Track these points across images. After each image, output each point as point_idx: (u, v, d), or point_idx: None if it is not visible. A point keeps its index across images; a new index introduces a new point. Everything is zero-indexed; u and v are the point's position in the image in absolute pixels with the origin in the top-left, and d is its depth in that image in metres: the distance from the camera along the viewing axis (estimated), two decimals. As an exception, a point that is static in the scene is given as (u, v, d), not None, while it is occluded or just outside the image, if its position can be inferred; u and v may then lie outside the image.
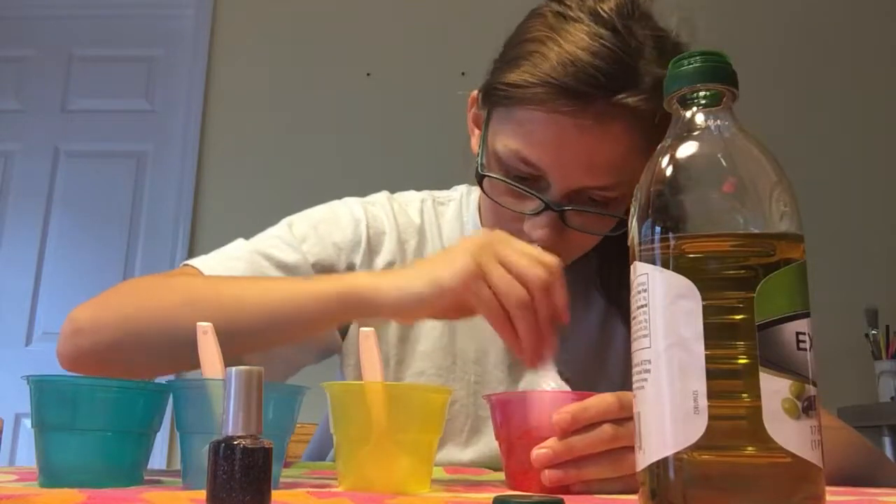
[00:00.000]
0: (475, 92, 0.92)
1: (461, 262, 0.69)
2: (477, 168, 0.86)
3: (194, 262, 0.89)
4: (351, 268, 0.94)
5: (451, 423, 0.93)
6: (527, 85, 0.79)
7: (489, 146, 0.85)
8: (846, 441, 0.83)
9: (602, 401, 0.59)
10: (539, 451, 0.58)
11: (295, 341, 0.85)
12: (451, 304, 0.70)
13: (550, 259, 0.70)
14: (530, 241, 0.83)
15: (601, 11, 0.79)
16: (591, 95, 0.77)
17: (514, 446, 0.62)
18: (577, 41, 0.78)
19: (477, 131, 0.93)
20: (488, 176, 0.84)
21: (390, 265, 0.95)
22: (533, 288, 0.68)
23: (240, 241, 0.93)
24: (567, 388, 0.68)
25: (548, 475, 0.58)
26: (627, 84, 0.77)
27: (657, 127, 0.77)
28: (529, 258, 0.69)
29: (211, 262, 0.88)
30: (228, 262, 0.88)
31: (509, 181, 0.83)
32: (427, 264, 0.74)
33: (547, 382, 0.69)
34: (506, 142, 0.82)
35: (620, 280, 0.94)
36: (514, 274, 0.68)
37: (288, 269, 0.89)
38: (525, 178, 0.83)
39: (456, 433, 0.93)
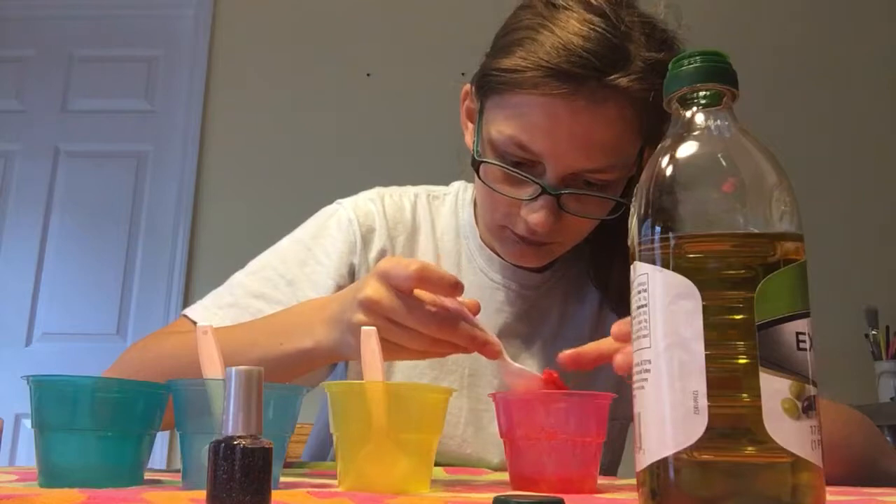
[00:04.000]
0: (468, 85, 0.93)
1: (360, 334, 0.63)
2: (472, 156, 0.87)
3: (191, 313, 0.90)
4: (351, 270, 0.94)
5: (447, 416, 0.93)
6: (520, 69, 0.80)
7: (484, 135, 0.86)
8: (848, 418, 0.83)
9: (600, 343, 0.64)
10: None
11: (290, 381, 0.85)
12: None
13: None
14: (527, 226, 0.84)
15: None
16: (582, 77, 0.78)
17: (519, 445, 0.62)
18: (568, 27, 0.79)
19: (470, 125, 0.94)
20: (485, 161, 0.85)
21: (382, 253, 0.96)
22: (434, 332, 0.65)
23: (235, 281, 0.93)
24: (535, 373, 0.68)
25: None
26: (618, 66, 0.79)
27: (651, 108, 0.78)
28: (414, 316, 0.65)
29: (207, 315, 0.89)
30: (222, 311, 0.89)
31: (505, 166, 0.83)
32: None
33: (513, 372, 0.68)
34: (500, 128, 0.83)
35: (613, 272, 0.94)
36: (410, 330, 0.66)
37: (283, 305, 0.88)
38: (520, 164, 0.83)
39: (453, 426, 0.93)
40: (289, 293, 0.90)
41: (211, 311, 0.89)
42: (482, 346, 0.67)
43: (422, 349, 0.67)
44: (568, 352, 0.66)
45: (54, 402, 0.54)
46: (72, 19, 2.99)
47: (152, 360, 0.84)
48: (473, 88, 0.90)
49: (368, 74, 2.82)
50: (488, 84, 0.84)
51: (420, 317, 0.64)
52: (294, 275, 0.92)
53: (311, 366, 0.75)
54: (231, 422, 0.38)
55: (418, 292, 0.65)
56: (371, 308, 0.65)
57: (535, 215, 0.83)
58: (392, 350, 0.66)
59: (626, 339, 0.61)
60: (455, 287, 0.64)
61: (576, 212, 0.84)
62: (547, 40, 0.79)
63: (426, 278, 0.63)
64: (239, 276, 0.94)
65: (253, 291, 0.90)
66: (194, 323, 0.88)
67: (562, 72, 0.78)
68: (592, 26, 0.79)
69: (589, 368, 0.65)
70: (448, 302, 0.65)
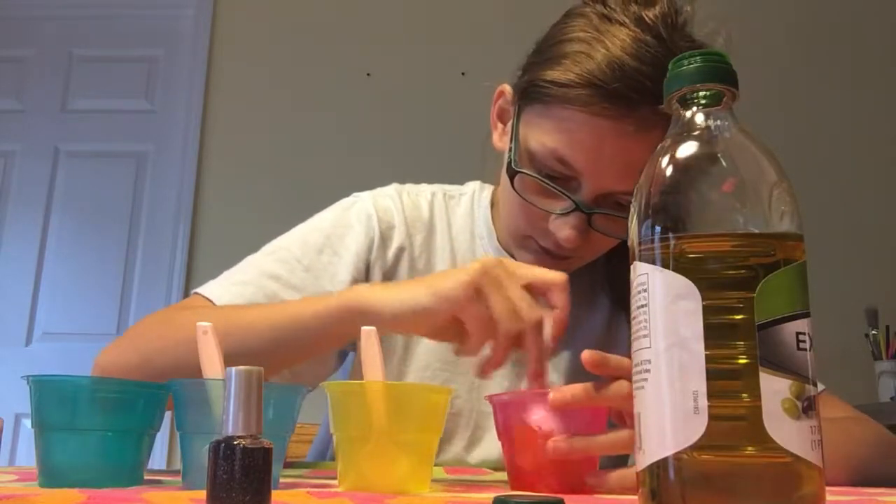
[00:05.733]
0: (504, 86, 0.92)
1: (465, 278, 0.68)
2: (509, 163, 0.85)
3: (204, 290, 0.88)
4: (368, 265, 0.93)
5: (454, 421, 0.92)
6: (571, 84, 0.78)
7: (521, 142, 0.84)
8: (861, 439, 0.82)
9: (624, 359, 0.60)
10: (559, 394, 0.59)
11: (306, 359, 0.83)
12: (447, 319, 0.69)
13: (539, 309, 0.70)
14: (555, 240, 0.83)
15: (646, 18, 0.79)
16: (635, 101, 0.77)
17: (516, 447, 0.62)
18: (623, 45, 0.78)
19: (500, 126, 0.93)
20: (522, 172, 0.83)
21: (401, 251, 0.95)
22: (528, 323, 0.67)
23: (249, 261, 0.92)
24: None
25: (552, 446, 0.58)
26: None
27: None
28: (526, 298, 0.69)
29: (219, 290, 0.87)
30: (236, 287, 0.87)
31: (543, 180, 0.82)
32: (429, 278, 0.73)
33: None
34: (542, 139, 0.81)
35: (627, 283, 0.94)
36: (513, 306, 0.68)
37: (298, 290, 0.88)
38: (556, 178, 0.82)
39: (459, 431, 0.93)
40: (305, 278, 0.89)
41: (225, 287, 0.87)
42: (538, 377, 0.68)
43: (490, 333, 0.68)
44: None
45: (54, 402, 0.54)
46: (72, 19, 2.98)
47: (163, 350, 0.80)
48: (514, 93, 0.88)
49: (368, 74, 2.82)
50: (533, 93, 0.82)
51: (523, 294, 0.68)
52: (311, 260, 0.91)
53: (339, 326, 0.73)
54: (231, 422, 0.38)
55: None
56: (493, 263, 0.69)
57: (565, 231, 0.82)
58: (458, 330, 0.70)
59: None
60: (564, 320, 0.70)
61: (604, 231, 0.83)
62: (601, 56, 0.78)
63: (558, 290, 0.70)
64: (252, 258, 0.92)
65: (268, 272, 0.89)
66: (209, 301, 0.86)
67: (615, 93, 0.77)
68: (648, 48, 0.78)
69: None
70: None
